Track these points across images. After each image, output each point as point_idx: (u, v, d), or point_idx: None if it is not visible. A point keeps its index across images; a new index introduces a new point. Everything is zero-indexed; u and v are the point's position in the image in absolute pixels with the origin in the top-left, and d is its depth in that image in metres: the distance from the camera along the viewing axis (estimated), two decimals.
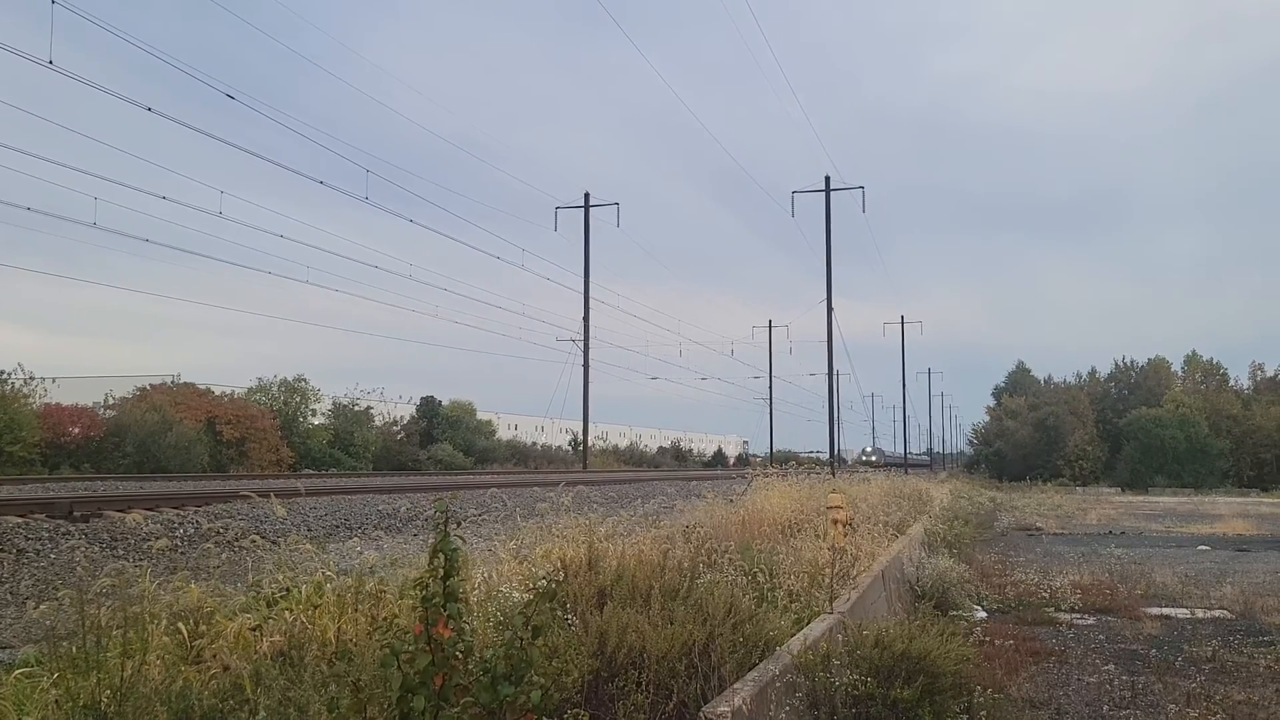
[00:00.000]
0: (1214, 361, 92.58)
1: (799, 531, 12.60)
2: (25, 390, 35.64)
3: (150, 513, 15.18)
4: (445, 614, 3.14)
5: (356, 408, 55.14)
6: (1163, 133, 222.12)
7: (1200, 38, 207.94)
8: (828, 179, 48.51)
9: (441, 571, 3.24)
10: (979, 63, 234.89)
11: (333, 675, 3.70)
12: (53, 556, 11.92)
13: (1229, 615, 12.08)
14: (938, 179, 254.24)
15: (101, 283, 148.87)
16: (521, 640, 3.27)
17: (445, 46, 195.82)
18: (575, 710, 3.47)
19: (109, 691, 4.27)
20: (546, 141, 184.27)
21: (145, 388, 44.78)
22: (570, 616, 4.81)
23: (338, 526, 16.51)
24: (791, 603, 8.16)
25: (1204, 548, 21.92)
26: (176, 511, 15.72)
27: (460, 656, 3.17)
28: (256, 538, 6.81)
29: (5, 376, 34.92)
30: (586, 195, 54.37)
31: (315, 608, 5.29)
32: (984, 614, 11.97)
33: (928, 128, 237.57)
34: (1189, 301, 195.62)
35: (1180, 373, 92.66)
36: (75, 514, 14.16)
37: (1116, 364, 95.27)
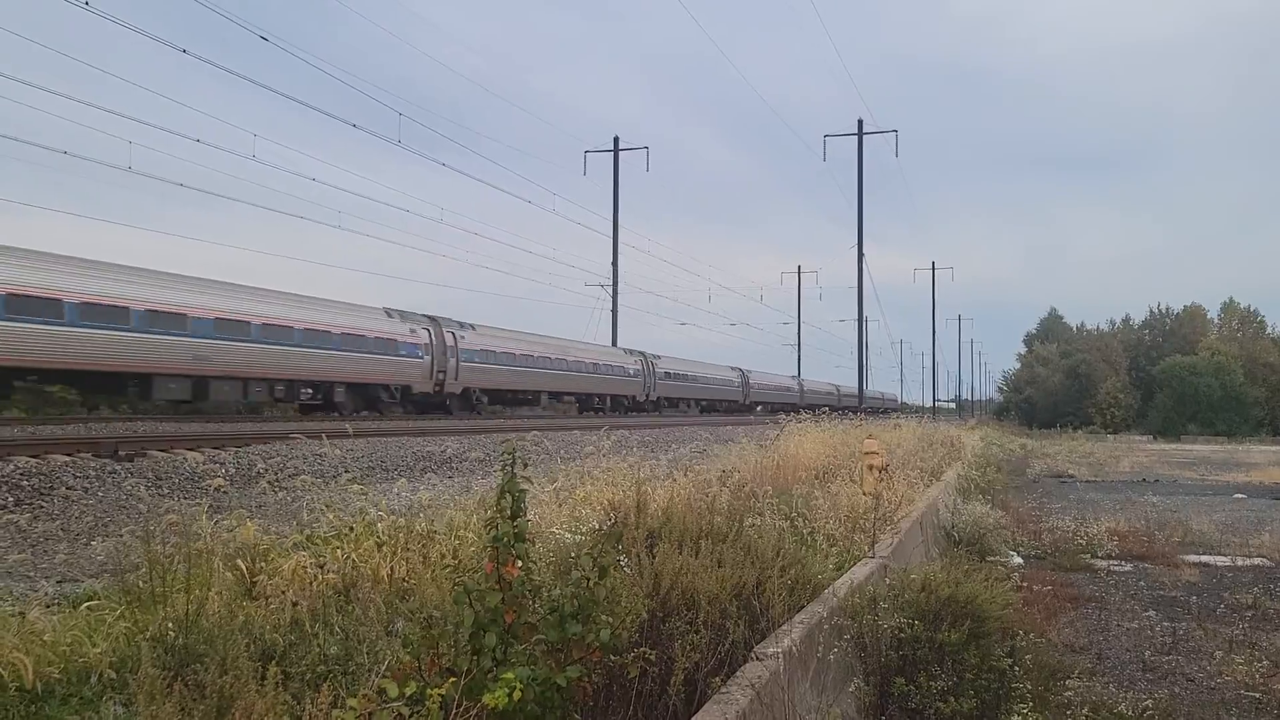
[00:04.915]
0: (1251, 309, 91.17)
1: (833, 476, 12.62)
2: None
3: (192, 453, 15.44)
4: (514, 554, 3.18)
5: None
6: (1196, 74, 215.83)
7: None
8: (860, 122, 47.82)
9: (509, 511, 3.27)
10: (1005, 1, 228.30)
11: (402, 612, 3.77)
12: (100, 494, 12.18)
13: (1269, 563, 12.01)
14: (967, 123, 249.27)
15: (132, 225, 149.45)
16: (589, 580, 3.31)
17: None
18: (642, 650, 3.52)
19: (171, 624, 4.38)
20: (573, 86, 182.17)
21: None
22: (622, 558, 4.86)
23: (373, 468, 16.73)
24: (831, 547, 8.19)
25: (1240, 496, 21.76)
26: (217, 451, 15.99)
27: (528, 595, 3.22)
28: (307, 477, 6.91)
29: None
30: (616, 139, 54.00)
31: (380, 545, 5.37)
32: (1020, 560, 11.98)
33: (954, 71, 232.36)
34: (1226, 247, 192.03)
35: (1216, 320, 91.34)
36: (120, 453, 14.42)
37: (1151, 311, 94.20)
